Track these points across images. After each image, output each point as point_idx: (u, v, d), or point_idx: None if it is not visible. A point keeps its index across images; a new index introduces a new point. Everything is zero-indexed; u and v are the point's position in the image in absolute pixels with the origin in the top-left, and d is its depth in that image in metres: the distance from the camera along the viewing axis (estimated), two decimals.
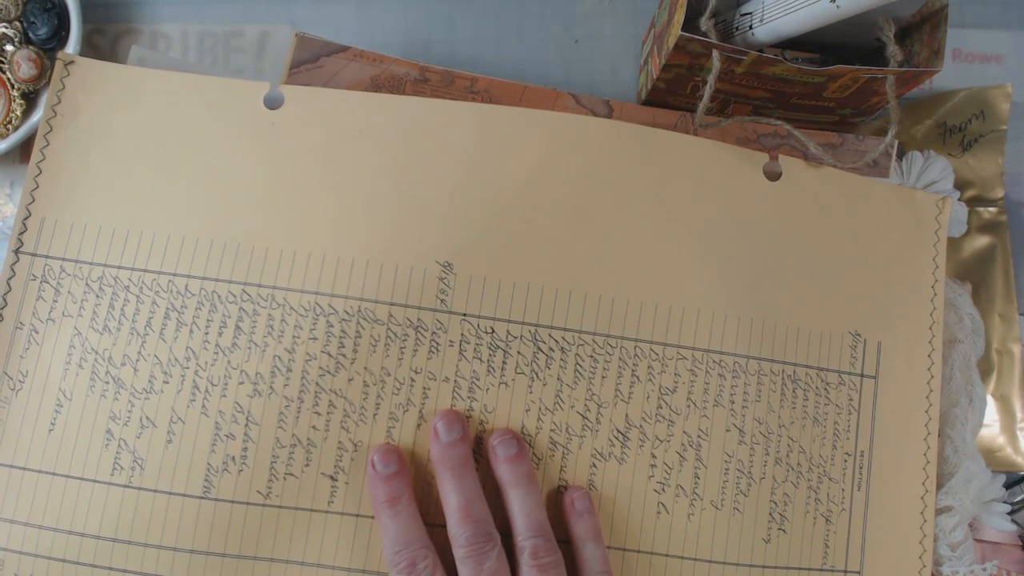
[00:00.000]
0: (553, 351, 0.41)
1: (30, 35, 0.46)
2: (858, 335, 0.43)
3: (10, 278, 0.41)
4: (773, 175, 0.44)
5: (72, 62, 0.43)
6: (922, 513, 0.43)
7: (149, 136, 0.42)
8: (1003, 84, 0.49)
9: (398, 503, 0.38)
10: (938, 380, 0.44)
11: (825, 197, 0.44)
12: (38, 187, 0.42)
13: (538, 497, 0.39)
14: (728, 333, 0.42)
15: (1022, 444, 0.46)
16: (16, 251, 0.41)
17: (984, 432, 0.46)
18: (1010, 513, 0.45)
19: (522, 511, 0.38)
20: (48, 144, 0.42)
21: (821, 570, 0.42)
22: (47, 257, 0.41)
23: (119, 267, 0.41)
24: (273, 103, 0.42)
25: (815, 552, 0.42)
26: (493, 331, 0.41)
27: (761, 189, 0.44)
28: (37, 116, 0.45)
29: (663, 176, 0.43)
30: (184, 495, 0.39)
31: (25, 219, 0.41)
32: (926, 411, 0.43)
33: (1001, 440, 0.46)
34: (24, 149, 0.48)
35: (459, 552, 0.37)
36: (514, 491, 0.38)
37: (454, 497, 0.38)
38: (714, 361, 0.42)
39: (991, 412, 0.47)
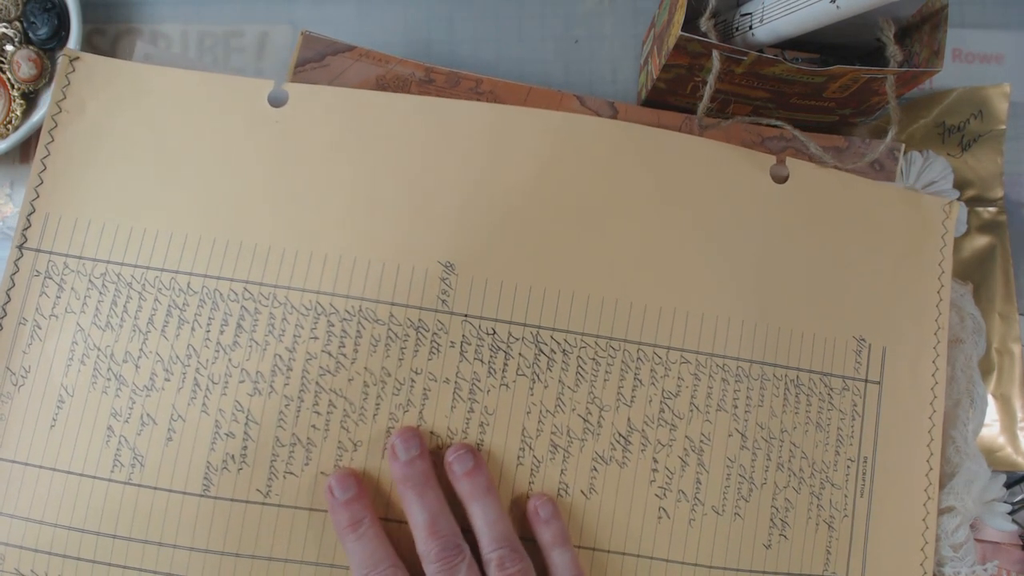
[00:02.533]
0: (555, 353, 0.41)
1: (30, 35, 0.46)
2: (863, 340, 0.43)
3: (14, 274, 0.41)
4: (780, 178, 0.44)
5: (77, 58, 0.43)
6: (924, 520, 0.43)
7: (153, 133, 0.42)
8: (1001, 83, 0.49)
9: (360, 526, 0.38)
10: (942, 386, 0.44)
11: (832, 200, 0.44)
12: (42, 183, 0.42)
13: (499, 508, 0.39)
14: (732, 337, 0.42)
15: (1022, 444, 0.47)
16: (20, 247, 0.41)
17: (984, 432, 0.46)
18: (1011, 513, 0.45)
19: (485, 524, 0.38)
20: (53, 140, 0.42)
21: None
22: (51, 253, 0.41)
23: (122, 264, 0.41)
24: (277, 101, 0.43)
25: (816, 558, 0.42)
26: (494, 332, 0.41)
27: (768, 191, 0.44)
28: (37, 116, 0.46)
29: (669, 178, 0.43)
30: (184, 493, 0.39)
31: (29, 215, 0.42)
32: (930, 417, 0.43)
33: (1001, 440, 0.47)
34: (24, 149, 0.48)
35: (430, 569, 0.37)
36: (475, 505, 0.39)
37: (419, 515, 0.38)
38: (717, 365, 0.42)
39: (991, 412, 0.47)
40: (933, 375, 0.44)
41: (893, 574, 0.42)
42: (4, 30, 0.46)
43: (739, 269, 0.43)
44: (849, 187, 0.44)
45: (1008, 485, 0.46)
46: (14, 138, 0.45)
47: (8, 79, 0.46)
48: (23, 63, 0.46)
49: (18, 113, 0.46)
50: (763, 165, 0.44)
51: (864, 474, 0.43)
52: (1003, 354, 0.47)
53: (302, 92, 0.43)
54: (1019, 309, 0.48)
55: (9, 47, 0.46)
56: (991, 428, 0.47)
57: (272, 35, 0.49)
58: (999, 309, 0.48)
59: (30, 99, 0.47)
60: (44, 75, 0.46)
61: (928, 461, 0.43)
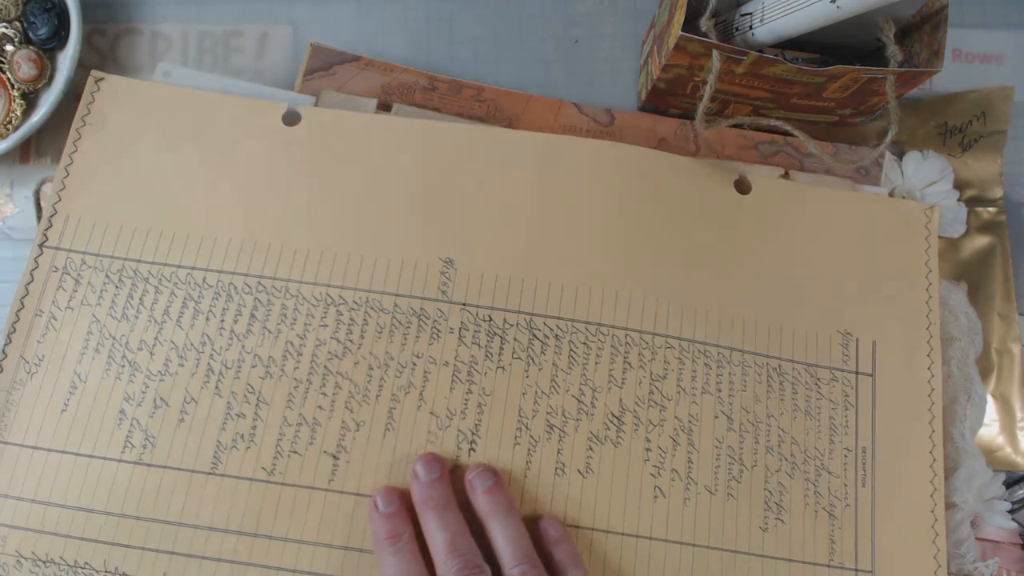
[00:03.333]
0: (548, 338, 0.43)
1: (30, 35, 0.46)
2: (848, 334, 0.45)
3: (33, 270, 0.43)
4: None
5: (102, 79, 0.46)
6: (932, 511, 0.43)
7: (172, 146, 0.45)
8: (1006, 86, 0.49)
9: (399, 540, 0.38)
10: (939, 379, 0.44)
11: (796, 208, 0.46)
12: (65, 188, 0.44)
13: (519, 525, 0.39)
14: (711, 326, 0.44)
15: (1022, 444, 0.47)
16: (41, 245, 0.44)
17: (984, 431, 0.46)
18: (1010, 512, 0.45)
19: (506, 541, 0.38)
20: (76, 150, 0.45)
21: (829, 566, 0.42)
22: (69, 251, 0.43)
23: (139, 261, 0.43)
24: (291, 120, 0.46)
25: (820, 547, 0.42)
26: (491, 319, 0.43)
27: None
28: (37, 116, 0.46)
29: (643, 188, 0.45)
30: (192, 471, 0.41)
31: (51, 216, 0.44)
32: (929, 409, 0.44)
33: (1001, 440, 0.47)
34: (24, 149, 0.48)
35: None
36: (495, 522, 0.39)
37: (439, 535, 0.38)
38: (699, 351, 0.44)
39: (991, 412, 0.47)
40: (929, 368, 0.45)
41: (905, 566, 0.42)
42: (4, 30, 0.46)
43: (709, 266, 0.45)
44: (816, 196, 0.47)
45: (1007, 484, 0.46)
46: (14, 138, 0.45)
47: (8, 79, 0.46)
48: (23, 63, 0.46)
49: (18, 113, 0.46)
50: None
51: (864, 464, 0.43)
52: (1003, 354, 0.48)
53: (314, 114, 0.46)
54: (1018, 309, 0.48)
55: (9, 47, 0.46)
56: (990, 428, 0.47)
57: (272, 35, 0.50)
58: (998, 309, 0.48)
59: (30, 99, 0.47)
60: (44, 75, 0.47)
61: (931, 453, 0.44)
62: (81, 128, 0.45)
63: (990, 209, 0.49)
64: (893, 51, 0.42)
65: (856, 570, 0.42)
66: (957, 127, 0.49)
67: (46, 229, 0.44)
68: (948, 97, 0.50)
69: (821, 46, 0.46)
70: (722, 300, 0.44)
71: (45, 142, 0.48)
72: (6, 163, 0.48)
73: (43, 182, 0.47)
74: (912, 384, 0.44)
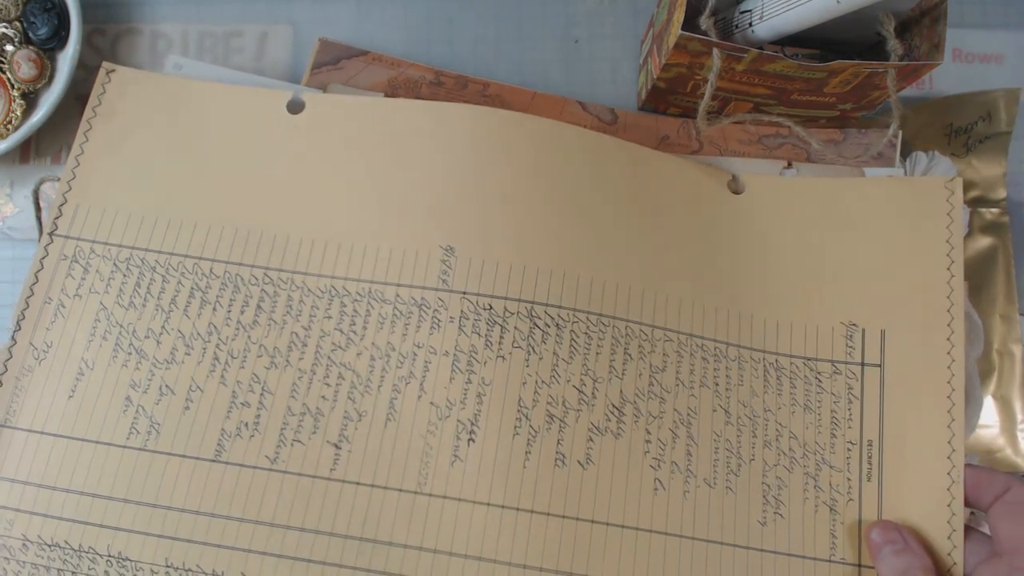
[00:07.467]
0: (549, 327, 0.43)
1: (30, 35, 0.47)
2: (853, 325, 0.44)
3: (43, 258, 0.44)
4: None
5: (113, 70, 0.47)
6: (949, 506, 0.42)
7: (180, 135, 0.46)
8: (1014, 88, 0.49)
9: None
10: (960, 364, 0.43)
11: (793, 205, 0.46)
12: (75, 177, 0.45)
13: None
14: (707, 321, 0.44)
15: (1022, 445, 0.47)
16: (51, 234, 0.44)
17: (984, 433, 0.47)
18: None
19: None
20: (87, 140, 0.46)
21: (830, 561, 0.42)
22: (78, 239, 0.44)
23: (147, 250, 0.44)
24: (295, 108, 0.46)
25: (820, 542, 0.42)
26: (491, 308, 0.43)
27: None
28: (37, 116, 0.47)
29: (640, 185, 0.46)
30: (197, 458, 0.41)
31: (61, 205, 0.45)
32: (948, 396, 0.43)
33: (1001, 441, 0.47)
34: (24, 149, 0.49)
35: None
36: None
37: None
38: (696, 345, 0.44)
39: (992, 413, 0.47)
40: (949, 353, 0.43)
41: None
42: (4, 30, 0.46)
43: (703, 264, 0.45)
44: (816, 189, 0.46)
45: None
46: (14, 138, 0.46)
47: (8, 79, 0.46)
48: (23, 63, 0.46)
49: (18, 113, 0.46)
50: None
51: (870, 458, 0.43)
52: (1003, 355, 0.48)
53: (318, 100, 0.46)
54: (1020, 310, 0.48)
55: (9, 47, 0.47)
56: (991, 429, 0.47)
57: (272, 35, 0.51)
58: (1000, 310, 0.48)
59: (30, 99, 0.47)
60: (44, 75, 0.47)
61: (950, 443, 0.42)
62: (92, 119, 0.46)
63: (993, 210, 0.49)
64: (893, 45, 0.42)
65: (859, 565, 0.42)
66: (962, 128, 0.49)
67: (56, 218, 0.45)
68: (954, 98, 0.50)
69: (821, 42, 0.46)
70: (716, 296, 0.44)
71: (45, 142, 0.49)
72: (6, 163, 0.48)
73: (43, 182, 0.47)
74: (928, 372, 0.43)
